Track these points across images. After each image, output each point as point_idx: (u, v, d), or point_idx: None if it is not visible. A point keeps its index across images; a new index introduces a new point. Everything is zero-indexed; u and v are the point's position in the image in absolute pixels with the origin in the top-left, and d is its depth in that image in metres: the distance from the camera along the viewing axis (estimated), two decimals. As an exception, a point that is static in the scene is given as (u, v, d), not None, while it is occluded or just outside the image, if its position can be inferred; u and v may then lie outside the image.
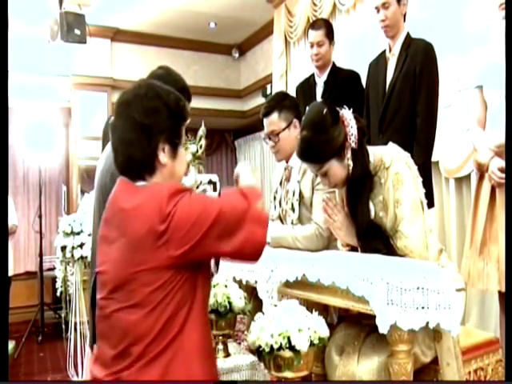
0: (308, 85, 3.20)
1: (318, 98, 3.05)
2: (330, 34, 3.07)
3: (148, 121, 1.32)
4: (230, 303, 1.99)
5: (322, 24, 3.11)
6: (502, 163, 2.16)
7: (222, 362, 1.99)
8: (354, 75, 3.10)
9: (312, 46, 3.06)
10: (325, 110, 1.76)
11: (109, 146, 1.93)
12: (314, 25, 3.15)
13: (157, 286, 1.25)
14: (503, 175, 2.14)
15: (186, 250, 1.23)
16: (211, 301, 1.93)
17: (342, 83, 3.02)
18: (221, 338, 2.06)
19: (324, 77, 3.09)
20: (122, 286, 1.28)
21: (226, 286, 2.03)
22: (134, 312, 1.26)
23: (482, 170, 2.31)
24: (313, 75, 3.19)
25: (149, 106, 1.33)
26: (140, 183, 1.35)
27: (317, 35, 3.04)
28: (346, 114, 1.80)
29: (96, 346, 1.40)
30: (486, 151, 2.26)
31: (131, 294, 1.27)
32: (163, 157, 1.34)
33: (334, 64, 3.12)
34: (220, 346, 2.06)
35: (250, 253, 1.32)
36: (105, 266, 1.34)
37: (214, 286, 1.98)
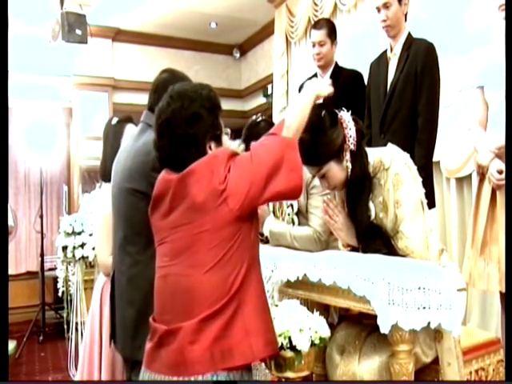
0: None
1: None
2: (332, 34, 3.06)
3: (192, 130, 1.42)
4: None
5: (323, 24, 3.10)
6: (501, 165, 2.16)
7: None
8: (357, 75, 3.09)
9: (314, 46, 3.06)
10: (323, 113, 1.76)
11: (124, 148, 1.93)
12: (316, 24, 3.15)
13: (215, 245, 1.36)
14: (502, 176, 2.15)
15: (242, 201, 1.36)
16: None
17: (344, 83, 3.00)
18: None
19: (326, 76, 3.08)
20: (185, 250, 1.39)
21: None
22: (196, 272, 1.37)
23: (482, 172, 2.31)
24: (315, 75, 3.18)
25: (188, 116, 1.43)
26: None
27: (319, 35, 3.03)
28: (345, 115, 1.80)
29: (154, 318, 1.47)
30: (487, 153, 2.26)
31: (193, 255, 1.38)
32: (211, 152, 1.46)
33: (336, 64, 3.11)
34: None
35: (295, 181, 1.41)
36: (167, 237, 1.45)
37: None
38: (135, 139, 1.88)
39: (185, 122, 1.42)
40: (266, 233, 2.36)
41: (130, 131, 2.36)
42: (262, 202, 1.43)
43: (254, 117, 2.59)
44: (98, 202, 2.36)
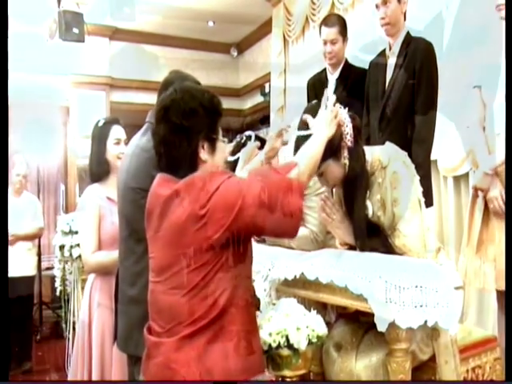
0: (319, 82, 3.08)
1: (330, 95, 2.99)
2: (343, 31, 2.91)
3: (187, 123, 1.42)
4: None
5: (335, 21, 2.93)
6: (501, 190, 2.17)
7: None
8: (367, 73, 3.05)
9: (325, 44, 2.90)
10: (319, 110, 1.76)
11: (129, 148, 1.94)
12: (327, 21, 2.95)
13: (194, 268, 1.34)
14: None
15: (223, 230, 1.31)
16: None
17: (354, 81, 2.92)
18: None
19: (336, 74, 2.98)
20: (167, 269, 1.39)
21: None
22: (176, 293, 1.36)
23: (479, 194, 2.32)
24: (324, 71, 3.07)
25: (186, 109, 1.43)
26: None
27: (330, 33, 2.87)
28: (341, 113, 1.79)
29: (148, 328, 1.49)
30: (484, 177, 2.25)
31: (174, 276, 1.37)
32: (203, 154, 1.44)
33: (346, 61, 3.00)
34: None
35: (288, 226, 1.37)
36: (154, 252, 1.46)
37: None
38: (139, 138, 1.88)
39: (182, 113, 1.42)
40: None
41: (116, 133, 2.36)
42: (247, 236, 1.39)
43: None
44: (83, 200, 2.36)
